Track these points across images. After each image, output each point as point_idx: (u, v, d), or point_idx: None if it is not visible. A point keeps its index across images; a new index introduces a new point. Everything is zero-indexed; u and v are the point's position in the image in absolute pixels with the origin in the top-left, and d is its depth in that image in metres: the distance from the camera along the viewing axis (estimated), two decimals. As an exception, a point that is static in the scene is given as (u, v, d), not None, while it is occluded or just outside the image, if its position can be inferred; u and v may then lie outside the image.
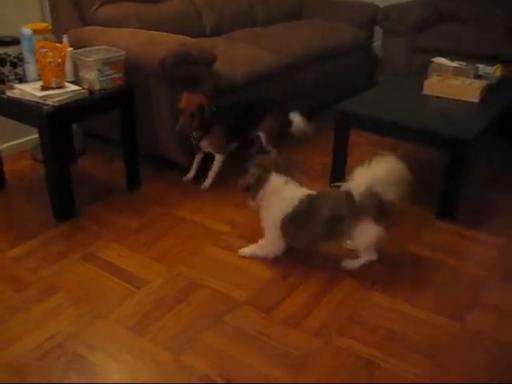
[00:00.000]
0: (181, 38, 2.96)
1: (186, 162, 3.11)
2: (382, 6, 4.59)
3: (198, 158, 3.11)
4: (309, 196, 2.31)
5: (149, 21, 3.50)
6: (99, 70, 2.62)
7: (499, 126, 3.66)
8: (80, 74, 2.69)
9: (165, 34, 3.05)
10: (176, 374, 1.83)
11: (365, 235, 2.29)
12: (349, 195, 2.23)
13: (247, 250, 2.46)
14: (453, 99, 3.03)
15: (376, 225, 2.25)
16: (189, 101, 2.80)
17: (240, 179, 2.35)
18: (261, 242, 2.44)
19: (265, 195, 2.32)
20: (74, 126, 3.27)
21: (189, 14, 3.82)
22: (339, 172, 2.88)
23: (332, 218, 2.25)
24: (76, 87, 2.61)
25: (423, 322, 2.08)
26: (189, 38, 2.98)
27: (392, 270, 2.39)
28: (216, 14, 4.01)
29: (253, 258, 2.43)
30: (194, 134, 2.92)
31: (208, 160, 3.09)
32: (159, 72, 2.80)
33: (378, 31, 4.68)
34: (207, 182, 3.04)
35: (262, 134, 3.17)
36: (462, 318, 2.11)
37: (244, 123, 3.14)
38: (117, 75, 2.71)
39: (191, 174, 3.12)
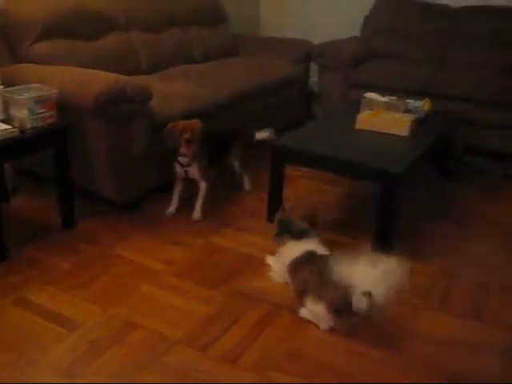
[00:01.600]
0: (115, 75, 2.94)
1: (123, 200, 3.07)
2: (316, 42, 4.74)
3: (177, 189, 3.13)
4: (308, 253, 2.38)
5: (84, 58, 3.48)
6: (30, 109, 2.58)
7: (432, 157, 3.82)
8: (11, 112, 2.64)
9: (99, 71, 3.03)
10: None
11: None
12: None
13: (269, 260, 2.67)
14: (384, 133, 3.12)
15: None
16: (192, 128, 2.89)
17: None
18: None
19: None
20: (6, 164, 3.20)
21: (124, 51, 3.82)
22: (276, 207, 2.90)
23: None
24: (6, 126, 2.55)
25: (361, 355, 2.10)
26: (123, 76, 2.97)
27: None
28: (152, 51, 4.04)
29: (190, 296, 2.41)
30: (182, 160, 2.99)
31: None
32: (93, 110, 2.77)
33: (314, 67, 4.80)
34: (198, 212, 3.09)
35: (234, 162, 3.38)
36: (398, 348, 2.14)
37: (219, 151, 3.28)
38: (48, 113, 2.67)
39: (173, 208, 3.13)
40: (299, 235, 2.47)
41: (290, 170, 3.23)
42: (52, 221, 2.97)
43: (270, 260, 2.67)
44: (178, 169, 3.04)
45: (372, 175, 2.72)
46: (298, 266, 2.37)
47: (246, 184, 3.51)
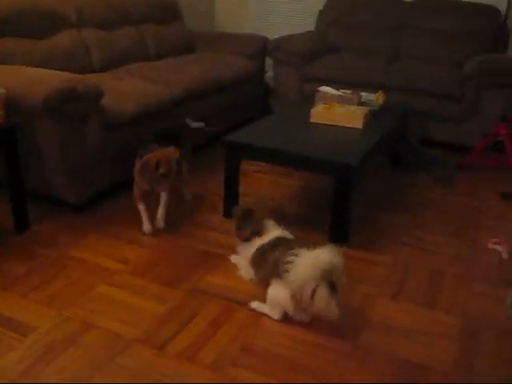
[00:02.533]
0: (65, 74, 2.90)
1: (77, 201, 3.02)
2: (271, 38, 4.76)
3: (144, 207, 2.90)
4: (278, 238, 2.36)
5: (35, 57, 3.43)
6: (-23, 110, 2.52)
7: (387, 149, 3.88)
8: (-43, 113, 2.58)
9: (49, 70, 2.99)
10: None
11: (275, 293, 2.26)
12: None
13: (233, 260, 2.62)
14: (338, 126, 3.15)
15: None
16: (168, 160, 2.69)
17: (240, 231, 2.47)
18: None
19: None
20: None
21: (77, 49, 3.76)
22: (232, 203, 2.90)
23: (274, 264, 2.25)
24: (-48, 128, 2.50)
25: (317, 345, 2.12)
26: (73, 74, 2.93)
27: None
28: (105, 49, 3.99)
29: (146, 295, 2.40)
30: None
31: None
32: (43, 110, 2.72)
33: (270, 62, 4.82)
34: (162, 221, 2.91)
35: (183, 162, 3.14)
36: (354, 337, 2.17)
37: None
38: (-3, 114, 2.62)
39: (149, 226, 2.90)
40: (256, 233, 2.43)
41: (247, 165, 3.24)
42: (4, 224, 2.91)
43: (234, 259, 2.64)
44: (147, 186, 2.84)
45: (326, 168, 2.73)
46: (262, 253, 2.33)
47: (187, 193, 3.32)
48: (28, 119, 2.81)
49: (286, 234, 2.43)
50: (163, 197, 2.93)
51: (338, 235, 2.80)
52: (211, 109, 4.04)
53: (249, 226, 2.44)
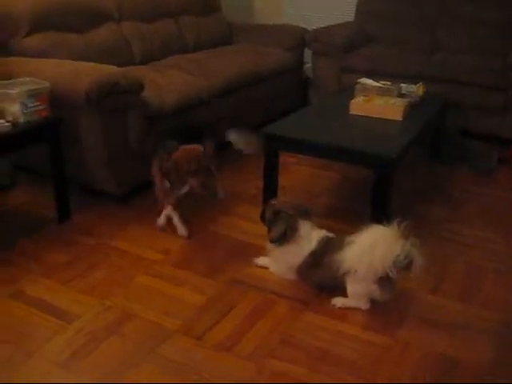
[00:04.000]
0: (107, 67, 2.95)
1: (119, 192, 3.08)
2: (310, 29, 4.73)
3: (172, 208, 2.85)
4: (327, 239, 2.37)
5: (76, 50, 3.48)
6: (23, 102, 2.58)
7: (427, 140, 3.83)
8: (3, 106, 2.64)
9: (91, 64, 3.04)
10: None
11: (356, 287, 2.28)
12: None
13: (260, 262, 2.58)
14: (378, 118, 3.11)
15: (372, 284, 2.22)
16: (198, 158, 2.63)
17: (270, 232, 2.42)
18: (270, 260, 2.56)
19: (291, 241, 2.37)
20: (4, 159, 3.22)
21: (117, 42, 3.82)
22: (272, 195, 2.91)
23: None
24: (-1, 120, 2.56)
25: (356, 339, 2.12)
26: (115, 67, 2.97)
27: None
28: (145, 42, 4.03)
29: (186, 286, 2.43)
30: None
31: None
32: (86, 103, 2.77)
33: (309, 53, 4.79)
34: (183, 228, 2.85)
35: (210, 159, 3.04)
36: (392, 331, 2.17)
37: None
38: (42, 107, 2.67)
39: (184, 229, 2.84)
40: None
41: (286, 157, 3.24)
42: (48, 214, 2.97)
43: (262, 261, 2.59)
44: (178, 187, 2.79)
45: (366, 160, 2.71)
46: (315, 258, 2.33)
47: (220, 191, 3.24)
48: (71, 112, 2.86)
49: (325, 232, 2.43)
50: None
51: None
52: (250, 101, 4.04)
53: (286, 231, 2.37)
